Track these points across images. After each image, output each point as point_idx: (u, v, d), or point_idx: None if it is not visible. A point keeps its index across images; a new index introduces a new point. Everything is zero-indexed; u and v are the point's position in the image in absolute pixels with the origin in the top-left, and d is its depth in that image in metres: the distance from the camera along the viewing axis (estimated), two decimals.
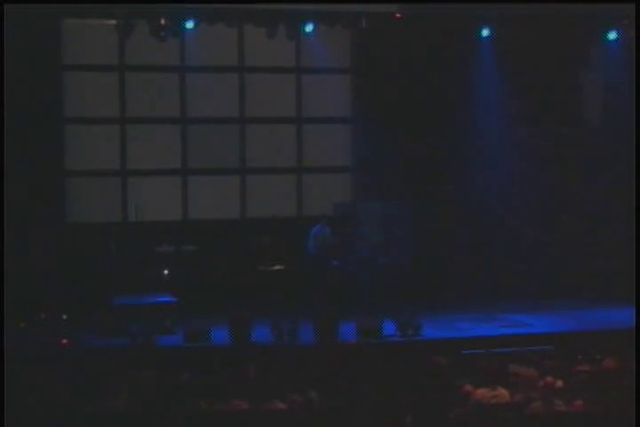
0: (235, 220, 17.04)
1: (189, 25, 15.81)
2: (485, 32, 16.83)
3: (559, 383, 11.52)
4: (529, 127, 17.63)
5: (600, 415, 10.68)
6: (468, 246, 17.08)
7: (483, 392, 11.14)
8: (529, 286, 16.66)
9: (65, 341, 13.63)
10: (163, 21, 15.51)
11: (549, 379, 11.59)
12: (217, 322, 14.11)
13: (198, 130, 16.95)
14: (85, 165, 16.46)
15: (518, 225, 17.49)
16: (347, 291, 15.70)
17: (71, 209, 16.33)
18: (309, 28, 16.26)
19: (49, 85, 15.87)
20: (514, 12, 16.47)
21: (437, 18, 16.37)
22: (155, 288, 15.22)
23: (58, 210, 16.10)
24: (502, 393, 11.15)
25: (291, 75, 17.28)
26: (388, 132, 16.99)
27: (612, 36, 17.16)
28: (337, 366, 12.43)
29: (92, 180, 16.55)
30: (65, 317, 14.86)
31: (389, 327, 14.29)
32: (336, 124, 17.57)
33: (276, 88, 17.14)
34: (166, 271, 15.55)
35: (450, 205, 17.05)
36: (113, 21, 15.67)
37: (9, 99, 14.75)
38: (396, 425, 10.56)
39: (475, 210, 17.24)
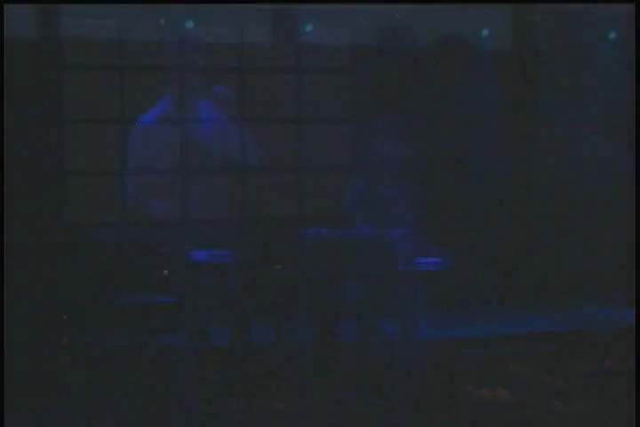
0: (234, 220, 17.04)
1: (189, 25, 15.85)
2: (485, 32, 16.85)
3: (559, 383, 11.53)
4: (529, 127, 17.66)
5: (600, 415, 10.71)
6: (467, 246, 17.10)
7: (483, 392, 11.16)
8: (528, 286, 16.70)
9: (65, 341, 13.63)
10: (163, 21, 15.54)
11: (549, 379, 11.60)
12: (217, 322, 14.12)
13: (198, 130, 16.94)
14: (85, 165, 16.48)
15: (518, 225, 17.53)
16: (347, 291, 15.70)
17: (71, 209, 16.33)
18: (309, 28, 16.28)
19: (49, 85, 15.89)
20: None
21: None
22: (155, 288, 15.23)
23: (58, 210, 16.11)
24: (502, 393, 11.16)
25: (291, 75, 17.30)
26: (388, 132, 16.99)
27: (612, 35, 17.18)
28: (336, 366, 12.44)
29: (92, 180, 16.56)
30: (65, 317, 14.89)
31: (389, 327, 14.30)
32: (336, 124, 17.58)
33: (276, 88, 17.14)
34: (166, 271, 15.57)
35: (450, 205, 17.07)
36: (113, 21, 15.68)
37: (9, 98, 14.76)
38: (395, 425, 10.58)
39: (475, 210, 17.27)
